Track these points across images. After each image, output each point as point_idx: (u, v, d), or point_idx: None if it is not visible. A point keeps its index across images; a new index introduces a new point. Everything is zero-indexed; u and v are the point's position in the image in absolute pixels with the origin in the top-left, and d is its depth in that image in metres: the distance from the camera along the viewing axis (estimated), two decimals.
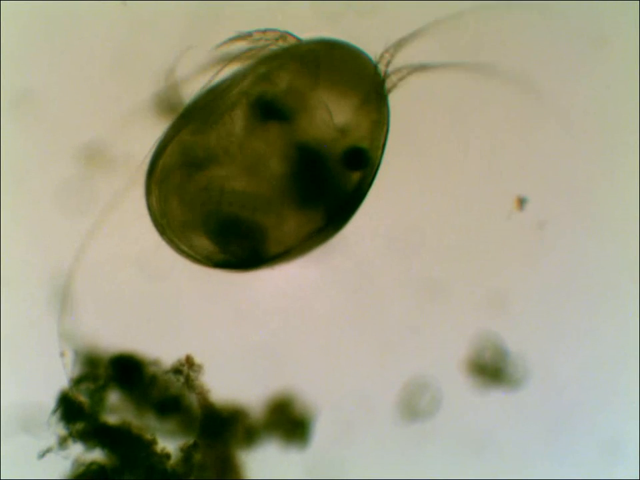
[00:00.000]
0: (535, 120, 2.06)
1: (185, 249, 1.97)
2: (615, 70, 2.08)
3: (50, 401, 2.02)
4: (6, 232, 2.04)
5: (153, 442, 2.02)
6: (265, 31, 1.96)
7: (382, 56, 1.97)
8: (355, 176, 1.94)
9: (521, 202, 2.04)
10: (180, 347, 2.03)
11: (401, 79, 1.97)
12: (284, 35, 1.97)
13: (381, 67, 1.97)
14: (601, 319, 2.09)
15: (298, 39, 1.98)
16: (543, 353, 2.08)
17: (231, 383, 2.03)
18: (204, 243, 1.96)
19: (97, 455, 2.02)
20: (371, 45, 2.01)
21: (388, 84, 1.97)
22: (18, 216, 2.05)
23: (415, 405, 2.06)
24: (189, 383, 2.02)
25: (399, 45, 1.97)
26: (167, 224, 1.97)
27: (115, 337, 2.02)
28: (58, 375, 2.02)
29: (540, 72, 2.05)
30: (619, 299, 2.09)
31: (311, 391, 2.06)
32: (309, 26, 2.03)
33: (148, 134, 1.98)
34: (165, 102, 1.97)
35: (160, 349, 2.03)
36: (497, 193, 2.07)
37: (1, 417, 2.04)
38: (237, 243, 1.95)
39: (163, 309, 2.03)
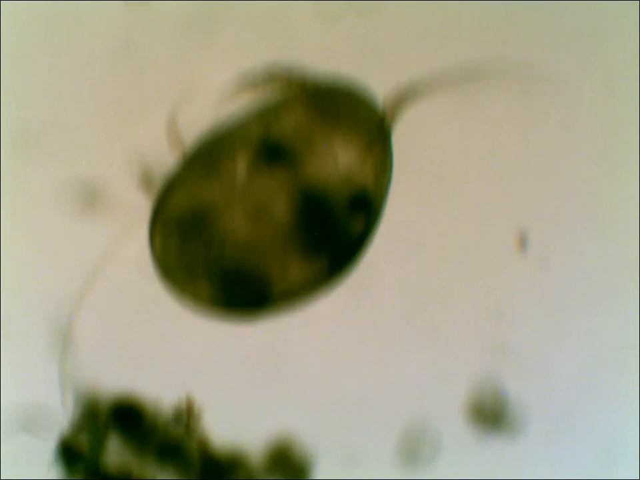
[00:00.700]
0: (536, 129, 2.07)
1: (189, 295, 1.98)
2: (615, 70, 2.08)
3: (50, 401, 2.03)
4: (6, 254, 2.05)
5: None
6: (269, 72, 1.96)
7: (389, 102, 1.97)
8: (360, 220, 1.94)
9: (522, 241, 2.05)
10: (180, 390, 2.03)
11: (398, 109, 1.98)
12: (289, 74, 1.96)
13: (388, 113, 1.97)
14: (601, 319, 2.09)
15: (303, 79, 1.97)
16: (543, 354, 2.09)
17: (231, 425, 2.03)
18: (208, 291, 1.96)
19: None
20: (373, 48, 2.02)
21: (392, 126, 1.97)
22: (20, 245, 2.06)
23: (415, 451, 2.06)
24: (189, 428, 2.02)
25: (406, 92, 1.97)
26: (170, 271, 1.97)
27: (116, 379, 2.02)
28: (58, 375, 2.03)
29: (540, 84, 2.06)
30: (618, 298, 2.09)
31: (309, 434, 2.05)
32: (309, 26, 2.04)
33: (152, 180, 1.99)
34: (146, 177, 1.98)
35: (160, 392, 2.03)
36: (499, 229, 2.07)
37: (1, 417, 2.04)
38: (240, 291, 1.95)
39: (163, 352, 2.03)
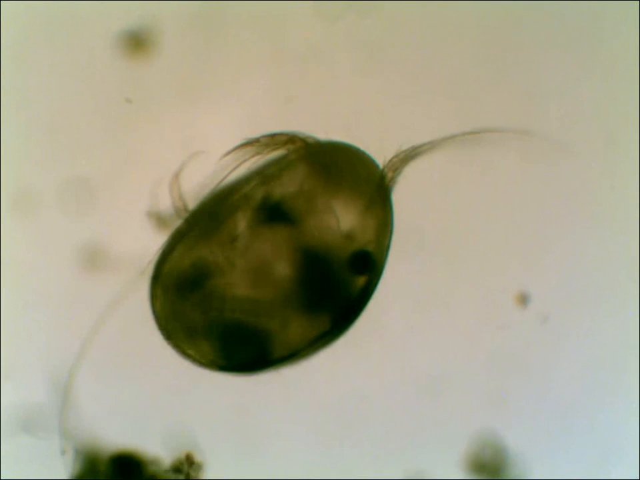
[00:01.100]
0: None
1: (191, 353, 1.98)
2: (615, 70, 2.08)
3: (50, 402, 2.03)
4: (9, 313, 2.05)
5: None
6: (273, 136, 1.97)
7: (389, 162, 1.98)
8: (361, 279, 1.95)
9: (523, 299, 2.05)
10: (180, 445, 2.04)
11: (398, 170, 1.98)
12: (292, 138, 1.97)
13: (388, 173, 1.98)
14: (601, 318, 2.09)
15: (306, 142, 1.98)
16: (544, 354, 2.09)
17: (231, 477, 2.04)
18: (209, 349, 1.97)
19: None
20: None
21: (392, 186, 1.98)
22: (19, 305, 2.05)
23: None
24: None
25: (407, 154, 1.98)
26: (172, 329, 1.97)
27: (116, 434, 2.03)
28: (58, 375, 2.03)
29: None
30: (618, 298, 2.09)
31: None
32: (309, 26, 2.04)
33: (152, 237, 2.00)
34: (160, 216, 1.98)
35: (161, 445, 2.03)
36: (509, 285, 2.08)
37: (1, 417, 2.04)
38: (241, 349, 1.95)
39: (164, 406, 2.03)
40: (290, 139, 1.97)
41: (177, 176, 1.96)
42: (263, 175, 1.96)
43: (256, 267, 1.93)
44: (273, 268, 1.93)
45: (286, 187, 1.94)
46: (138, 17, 2.04)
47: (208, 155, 1.96)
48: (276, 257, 1.93)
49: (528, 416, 2.09)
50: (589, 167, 2.06)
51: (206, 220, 1.95)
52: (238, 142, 1.97)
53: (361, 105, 2.04)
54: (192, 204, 1.98)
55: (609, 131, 2.08)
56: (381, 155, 1.98)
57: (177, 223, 1.98)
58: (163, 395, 2.03)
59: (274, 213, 1.93)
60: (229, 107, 2.03)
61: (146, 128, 2.04)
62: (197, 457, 2.04)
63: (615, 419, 2.09)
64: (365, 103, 2.04)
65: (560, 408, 2.09)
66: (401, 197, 2.00)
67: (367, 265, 1.94)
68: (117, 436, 2.03)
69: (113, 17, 2.04)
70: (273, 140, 1.97)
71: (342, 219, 1.94)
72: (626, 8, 2.08)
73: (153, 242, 1.98)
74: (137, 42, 2.02)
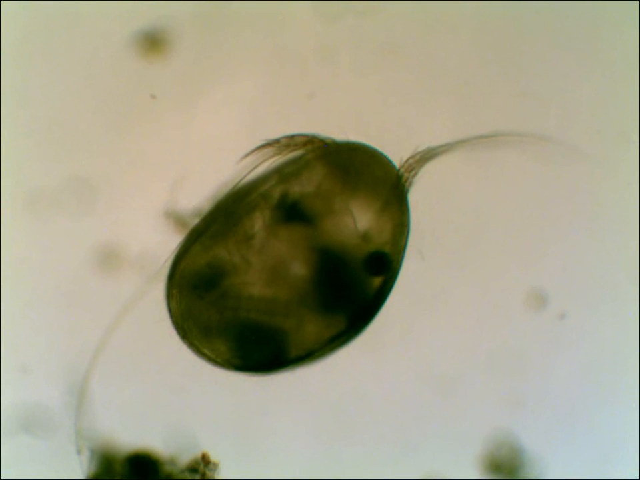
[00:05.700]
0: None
1: (206, 352, 1.98)
2: (615, 70, 2.08)
3: (50, 402, 2.03)
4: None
5: None
6: (292, 137, 1.97)
7: (406, 163, 1.98)
8: (377, 280, 1.95)
9: (539, 299, 2.06)
10: (196, 445, 2.04)
11: (415, 171, 1.99)
12: (312, 139, 1.97)
13: (404, 174, 1.98)
14: (601, 319, 2.09)
15: (325, 143, 1.98)
16: (544, 354, 2.09)
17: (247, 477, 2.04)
18: (224, 348, 1.97)
19: None
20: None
21: (409, 187, 1.98)
22: (29, 305, 2.05)
23: None
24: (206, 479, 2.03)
25: (424, 155, 1.99)
26: (187, 328, 1.97)
27: (131, 434, 2.03)
28: (59, 375, 2.03)
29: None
30: (618, 299, 2.09)
31: None
32: (309, 26, 2.04)
33: (169, 236, 2.00)
34: (177, 215, 1.99)
35: (177, 445, 2.03)
36: (513, 287, 2.08)
37: (1, 417, 2.04)
38: (256, 349, 1.96)
39: (179, 406, 2.04)
40: (309, 140, 1.97)
41: (192, 177, 1.97)
42: (280, 174, 1.96)
43: (272, 266, 1.93)
44: (289, 267, 1.93)
45: (304, 187, 1.95)
46: (140, 17, 2.04)
47: (224, 157, 1.97)
48: (292, 256, 1.93)
49: (527, 416, 2.09)
50: (596, 168, 2.06)
51: (223, 219, 1.96)
52: (258, 143, 1.98)
53: (362, 105, 2.04)
54: (209, 203, 1.99)
55: (611, 133, 2.08)
56: (397, 153, 1.98)
57: (194, 222, 1.99)
58: (176, 395, 2.03)
59: (291, 212, 1.93)
60: (232, 107, 2.03)
61: (153, 127, 2.04)
62: (213, 459, 2.03)
63: (615, 418, 2.09)
64: (365, 102, 2.04)
65: (560, 408, 2.09)
66: (415, 198, 2.00)
67: (383, 266, 1.94)
68: (132, 436, 2.03)
69: (114, 18, 2.04)
70: (293, 141, 1.97)
71: (359, 219, 1.94)
72: (626, 8, 2.09)
73: (169, 241, 1.99)
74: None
